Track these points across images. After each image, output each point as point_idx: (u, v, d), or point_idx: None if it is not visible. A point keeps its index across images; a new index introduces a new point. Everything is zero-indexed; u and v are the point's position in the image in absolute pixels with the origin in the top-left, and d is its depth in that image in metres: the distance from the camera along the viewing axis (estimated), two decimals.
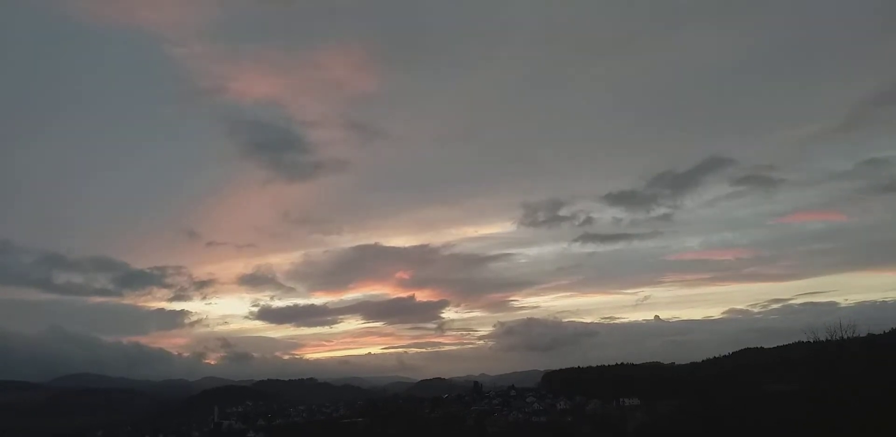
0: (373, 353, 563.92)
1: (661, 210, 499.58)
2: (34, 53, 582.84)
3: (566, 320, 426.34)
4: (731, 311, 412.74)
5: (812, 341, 53.79)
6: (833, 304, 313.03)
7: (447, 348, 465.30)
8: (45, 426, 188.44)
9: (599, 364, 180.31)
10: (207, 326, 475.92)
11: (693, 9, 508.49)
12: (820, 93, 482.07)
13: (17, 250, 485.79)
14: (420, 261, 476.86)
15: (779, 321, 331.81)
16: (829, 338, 50.00)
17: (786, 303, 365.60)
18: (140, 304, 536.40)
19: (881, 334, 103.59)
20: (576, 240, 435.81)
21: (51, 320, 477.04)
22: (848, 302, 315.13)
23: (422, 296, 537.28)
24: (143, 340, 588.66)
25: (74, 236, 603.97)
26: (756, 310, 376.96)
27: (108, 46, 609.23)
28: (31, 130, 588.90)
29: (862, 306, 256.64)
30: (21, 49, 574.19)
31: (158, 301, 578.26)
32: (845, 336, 49.37)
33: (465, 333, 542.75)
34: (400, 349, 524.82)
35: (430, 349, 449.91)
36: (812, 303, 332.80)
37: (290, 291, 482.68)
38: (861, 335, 51.90)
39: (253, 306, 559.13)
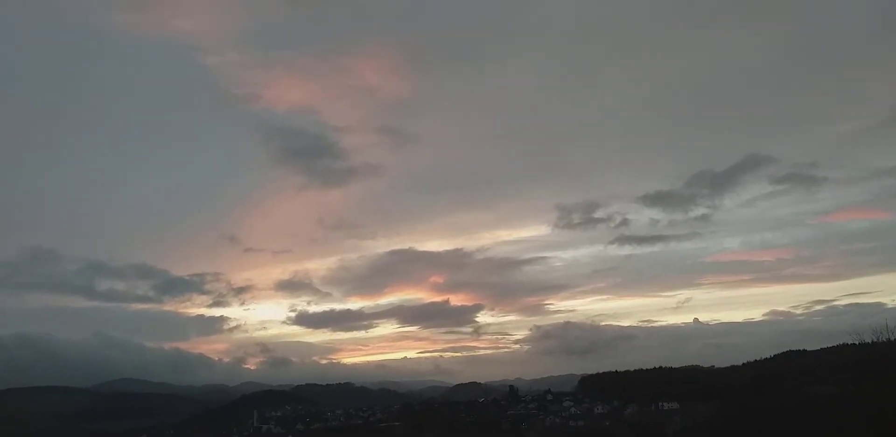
0: (408, 357, 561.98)
1: (700, 211, 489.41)
2: (71, 64, 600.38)
3: (603, 323, 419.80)
4: (772, 313, 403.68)
5: (857, 343, 52.42)
6: (879, 305, 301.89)
7: (482, 352, 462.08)
8: (89, 430, 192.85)
9: (637, 368, 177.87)
10: (246, 331, 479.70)
11: (729, 5, 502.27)
12: (862, 88, 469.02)
13: (62, 258, 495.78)
14: (454, 265, 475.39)
15: (822, 323, 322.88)
16: (876, 340, 48.75)
17: (829, 304, 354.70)
18: (180, 310, 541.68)
19: None
20: (612, 242, 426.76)
21: (94, 326, 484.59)
22: (895, 302, 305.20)
23: (456, 300, 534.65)
24: (184, 345, 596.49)
25: (116, 244, 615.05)
26: (798, 312, 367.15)
27: (144, 56, 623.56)
28: (70, 139, 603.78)
29: None
30: (58, 59, 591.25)
31: (198, 307, 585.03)
32: (892, 338, 48.09)
33: (501, 337, 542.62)
34: (435, 354, 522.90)
35: (465, 354, 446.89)
36: (857, 304, 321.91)
37: (326, 296, 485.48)
38: None
39: (290, 311, 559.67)
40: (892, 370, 46.54)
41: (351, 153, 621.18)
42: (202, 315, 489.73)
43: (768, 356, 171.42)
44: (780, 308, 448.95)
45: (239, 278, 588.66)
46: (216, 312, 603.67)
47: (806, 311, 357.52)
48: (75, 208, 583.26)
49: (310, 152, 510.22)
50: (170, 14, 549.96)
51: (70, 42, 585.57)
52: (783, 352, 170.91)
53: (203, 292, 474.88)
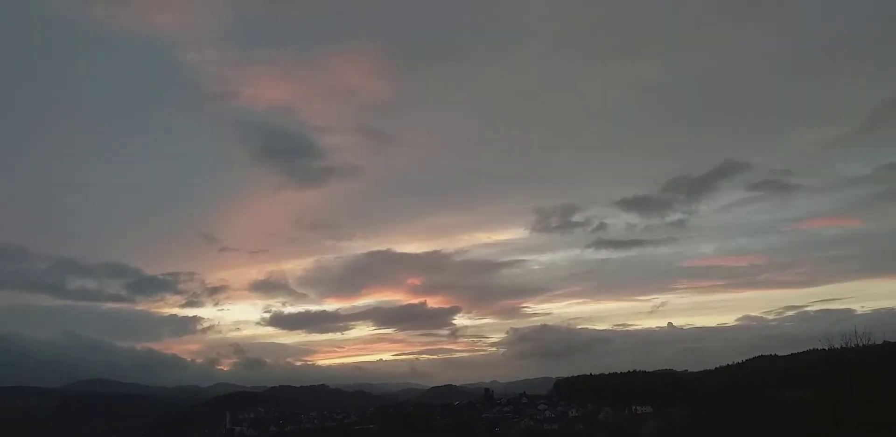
0: (384, 359, 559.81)
1: (676, 216, 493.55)
2: (45, 57, 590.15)
3: (579, 327, 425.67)
4: (745, 318, 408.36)
5: (827, 348, 53.17)
6: (849, 311, 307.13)
7: (459, 354, 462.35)
8: (58, 431, 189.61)
9: (612, 372, 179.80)
10: (220, 332, 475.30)
11: (708, 12, 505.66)
12: (838, 96, 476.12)
13: (32, 255, 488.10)
14: (432, 267, 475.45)
15: (794, 328, 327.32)
16: (845, 345, 49.58)
17: (801, 310, 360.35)
18: (153, 310, 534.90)
19: None
20: (589, 246, 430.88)
21: (64, 325, 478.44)
22: (864, 309, 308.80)
23: (433, 302, 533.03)
24: (157, 346, 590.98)
25: (88, 241, 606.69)
26: (771, 317, 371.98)
27: (122, 51, 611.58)
28: (43, 133, 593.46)
29: (878, 314, 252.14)
30: (34, 53, 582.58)
31: (171, 307, 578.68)
32: (861, 344, 48.95)
33: (477, 339, 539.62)
34: (411, 356, 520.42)
35: (441, 356, 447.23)
36: (828, 310, 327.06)
37: (301, 297, 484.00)
38: (877, 343, 51.50)
39: (265, 312, 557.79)
40: (860, 375, 47.38)
41: (330, 153, 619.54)
42: (175, 315, 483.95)
43: (741, 361, 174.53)
44: (753, 313, 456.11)
45: (214, 278, 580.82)
46: (190, 312, 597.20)
47: (778, 316, 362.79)
48: (46, 204, 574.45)
49: (288, 151, 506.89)
50: (149, 9, 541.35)
51: (44, 35, 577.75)
52: (755, 357, 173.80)
53: (176, 292, 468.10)
